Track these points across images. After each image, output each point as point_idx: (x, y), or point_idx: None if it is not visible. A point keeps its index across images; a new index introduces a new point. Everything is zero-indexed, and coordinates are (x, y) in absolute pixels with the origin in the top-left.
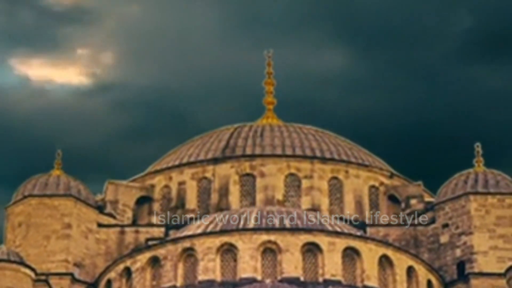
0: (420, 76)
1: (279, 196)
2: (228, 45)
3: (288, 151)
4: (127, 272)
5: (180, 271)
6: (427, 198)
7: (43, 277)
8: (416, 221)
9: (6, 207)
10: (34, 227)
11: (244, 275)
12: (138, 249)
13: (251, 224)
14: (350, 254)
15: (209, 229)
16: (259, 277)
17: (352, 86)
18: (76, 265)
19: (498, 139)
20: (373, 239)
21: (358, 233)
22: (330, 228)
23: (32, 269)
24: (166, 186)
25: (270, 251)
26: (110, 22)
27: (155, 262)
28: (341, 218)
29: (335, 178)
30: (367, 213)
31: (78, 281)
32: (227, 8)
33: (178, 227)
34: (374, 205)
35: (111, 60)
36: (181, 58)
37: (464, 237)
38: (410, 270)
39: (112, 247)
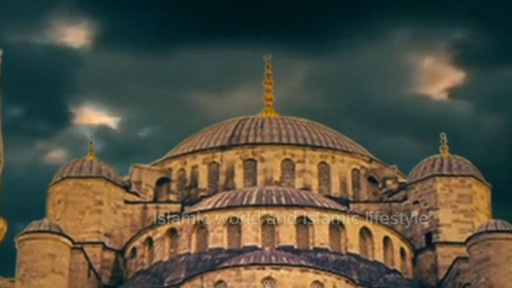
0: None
1: (276, 177)
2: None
3: (284, 140)
4: (149, 241)
5: (193, 240)
6: (401, 179)
7: (79, 246)
8: (391, 199)
9: (48, 187)
10: (71, 203)
11: (247, 244)
12: (158, 222)
13: (253, 201)
14: (336, 226)
15: (217, 205)
16: (259, 246)
17: (339, 84)
18: (107, 235)
19: (461, 130)
20: (355, 214)
21: (343, 209)
22: (319, 204)
23: (70, 239)
24: (182, 169)
25: (268, 224)
26: None
27: (172, 233)
28: (328, 196)
29: (323, 162)
30: (350, 192)
31: (108, 248)
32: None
33: (191, 203)
34: (356, 185)
35: None
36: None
37: (431, 212)
38: (386, 240)
39: (137, 220)
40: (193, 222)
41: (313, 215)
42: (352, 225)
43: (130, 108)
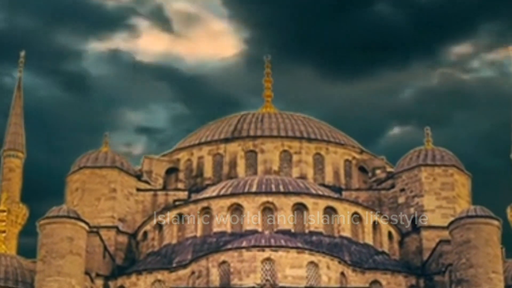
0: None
1: (275, 167)
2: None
3: (282, 133)
4: (159, 225)
5: (199, 225)
6: (389, 169)
7: (94, 229)
8: (380, 187)
9: (66, 176)
10: (87, 191)
11: (248, 228)
12: (167, 208)
13: (254, 189)
14: (329, 212)
15: (221, 193)
16: (260, 229)
17: (329, 83)
18: (120, 220)
19: (443, 124)
20: (347, 200)
21: (336, 196)
22: (314, 192)
23: (86, 223)
24: (189, 160)
25: (268, 210)
26: None
27: (180, 218)
28: (322, 184)
29: (318, 153)
30: (342, 180)
31: (122, 232)
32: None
33: (198, 191)
34: (348, 174)
35: None
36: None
37: (416, 198)
38: (375, 224)
39: (148, 207)
40: (199, 208)
41: (308, 201)
42: (344, 210)
43: None
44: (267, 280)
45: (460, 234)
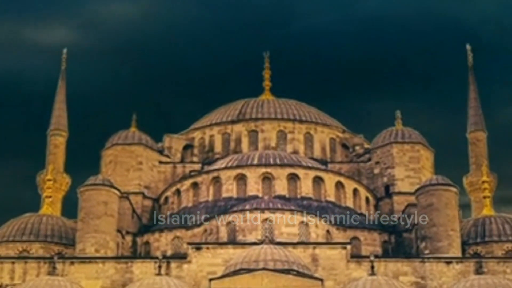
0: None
1: (273, 144)
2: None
3: (279, 116)
4: (178, 192)
5: (211, 191)
6: (366, 145)
7: (125, 195)
8: (359, 160)
9: (101, 151)
10: (119, 163)
11: (250, 194)
12: (184, 177)
13: (255, 161)
14: (317, 181)
15: (229, 165)
16: (260, 195)
17: (320, 76)
18: (146, 187)
19: (412, 108)
20: (331, 171)
21: (322, 167)
22: (304, 164)
23: (118, 190)
24: (202, 138)
25: (267, 179)
26: None
27: (195, 185)
28: (312, 158)
29: (308, 133)
30: (328, 155)
31: (147, 197)
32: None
33: (209, 163)
34: (333, 150)
35: None
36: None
37: (389, 170)
38: (355, 191)
39: (168, 176)
40: (211, 177)
41: (300, 172)
42: (330, 179)
43: None
44: (266, 236)
45: (425, 199)
